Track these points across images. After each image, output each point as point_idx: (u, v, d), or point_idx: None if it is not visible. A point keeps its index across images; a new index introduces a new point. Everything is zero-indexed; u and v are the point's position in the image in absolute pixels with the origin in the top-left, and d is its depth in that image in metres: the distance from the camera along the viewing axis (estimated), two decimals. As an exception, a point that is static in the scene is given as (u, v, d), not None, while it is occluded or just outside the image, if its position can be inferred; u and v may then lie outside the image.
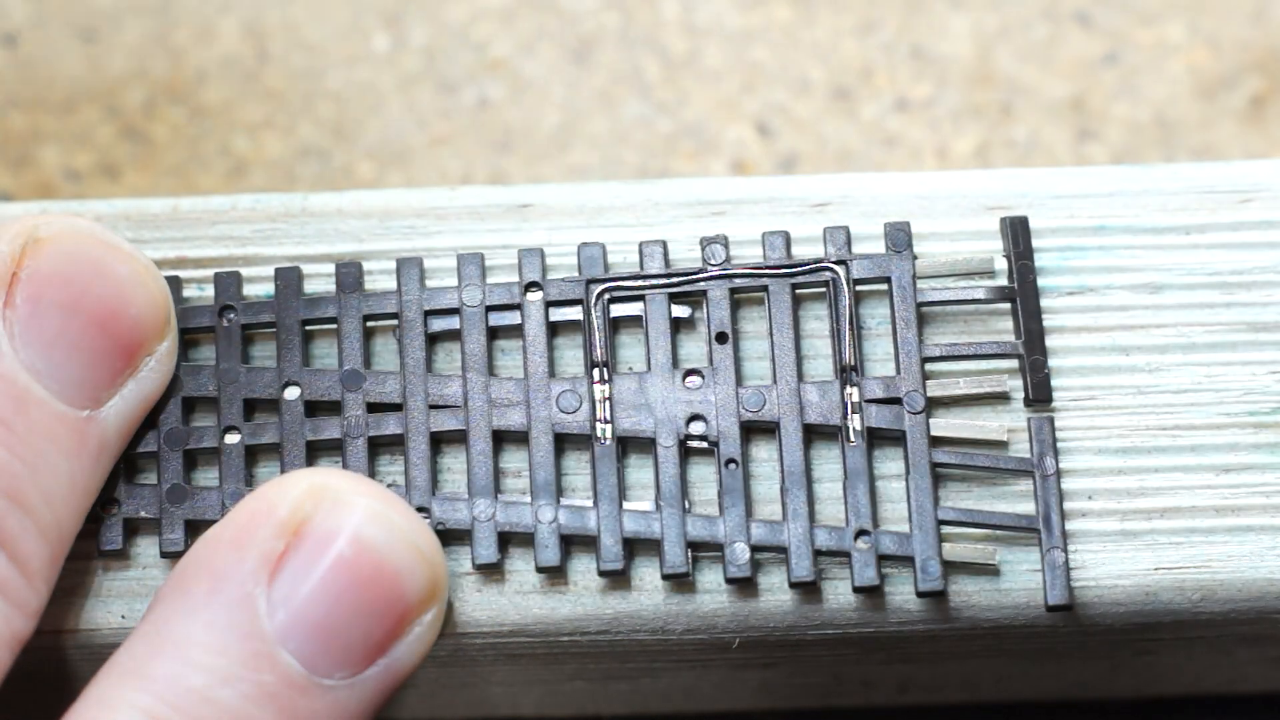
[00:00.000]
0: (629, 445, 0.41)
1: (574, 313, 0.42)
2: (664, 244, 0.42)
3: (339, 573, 0.37)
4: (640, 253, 0.42)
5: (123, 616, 0.40)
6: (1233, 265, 0.42)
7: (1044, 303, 0.42)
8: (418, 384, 0.41)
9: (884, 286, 0.42)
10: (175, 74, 0.57)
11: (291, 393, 0.41)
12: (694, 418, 0.41)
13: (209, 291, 0.42)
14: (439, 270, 0.42)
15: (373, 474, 0.41)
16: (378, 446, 0.41)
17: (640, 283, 0.42)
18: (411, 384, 0.41)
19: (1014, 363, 0.42)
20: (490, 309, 0.41)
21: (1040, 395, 0.41)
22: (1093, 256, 0.42)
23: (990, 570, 0.40)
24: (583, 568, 0.41)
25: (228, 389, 0.41)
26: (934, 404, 0.41)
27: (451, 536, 0.40)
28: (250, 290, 0.42)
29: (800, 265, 0.41)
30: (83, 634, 0.40)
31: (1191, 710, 0.49)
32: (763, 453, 0.41)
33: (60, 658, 0.41)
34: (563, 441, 0.41)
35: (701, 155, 0.56)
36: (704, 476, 0.41)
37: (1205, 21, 0.56)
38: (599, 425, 0.41)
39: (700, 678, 0.44)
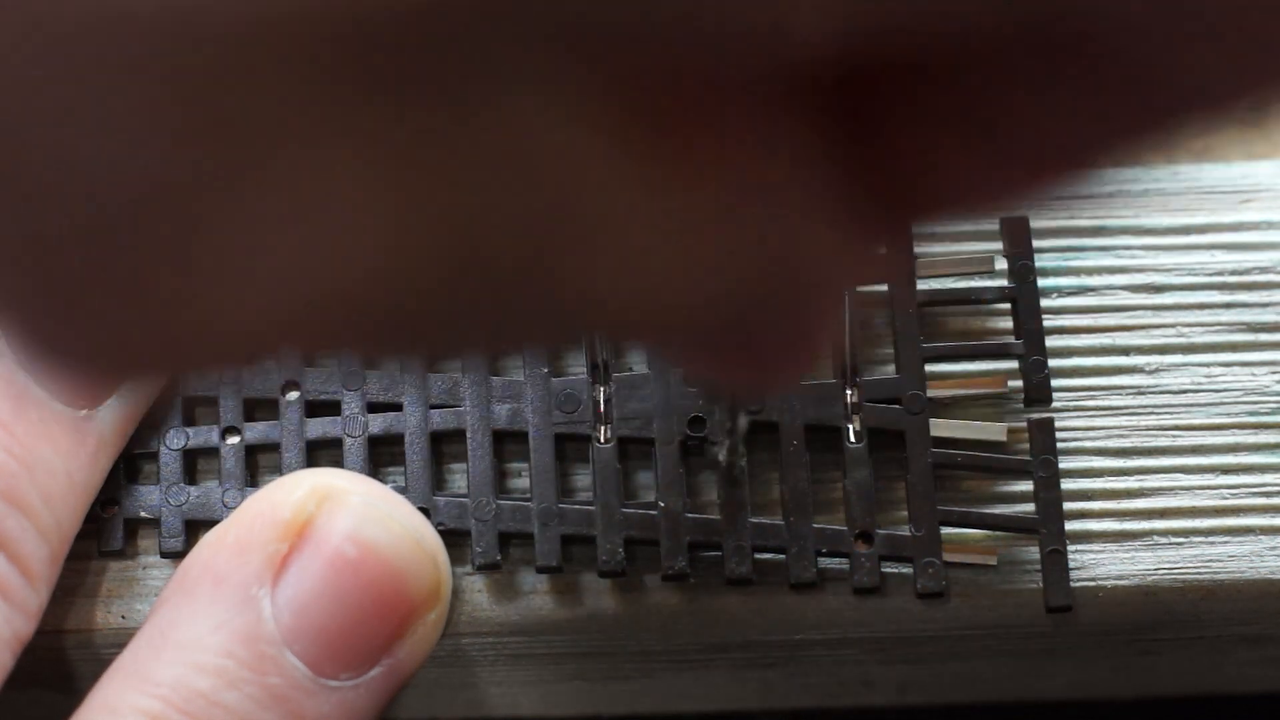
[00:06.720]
0: (629, 445, 0.41)
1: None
2: (664, 244, 0.42)
3: (343, 574, 0.37)
4: (641, 253, 0.42)
5: (123, 617, 0.40)
6: (1233, 265, 0.42)
7: (1044, 303, 0.42)
8: (418, 384, 0.41)
9: (884, 287, 0.42)
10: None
11: (292, 393, 0.41)
12: (694, 418, 0.41)
13: (208, 291, 0.42)
14: (438, 270, 0.42)
15: (373, 474, 0.41)
16: (378, 446, 0.41)
17: (641, 283, 0.41)
18: (411, 384, 0.41)
19: (1014, 363, 0.41)
20: (490, 309, 0.41)
21: (1039, 395, 0.41)
22: (1093, 256, 0.42)
23: (990, 570, 0.40)
24: (583, 568, 0.40)
25: (228, 389, 0.41)
26: (934, 404, 0.41)
27: (452, 536, 0.40)
28: (249, 290, 0.42)
29: (800, 265, 0.41)
30: (83, 634, 0.40)
31: (1191, 710, 0.49)
32: (763, 453, 0.41)
33: (60, 658, 0.40)
34: (563, 441, 0.41)
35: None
36: (704, 477, 0.41)
37: (1204, 21, 0.56)
38: (599, 425, 0.41)
39: (700, 678, 0.44)
